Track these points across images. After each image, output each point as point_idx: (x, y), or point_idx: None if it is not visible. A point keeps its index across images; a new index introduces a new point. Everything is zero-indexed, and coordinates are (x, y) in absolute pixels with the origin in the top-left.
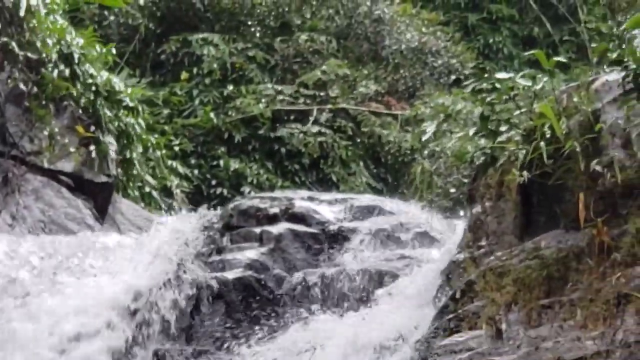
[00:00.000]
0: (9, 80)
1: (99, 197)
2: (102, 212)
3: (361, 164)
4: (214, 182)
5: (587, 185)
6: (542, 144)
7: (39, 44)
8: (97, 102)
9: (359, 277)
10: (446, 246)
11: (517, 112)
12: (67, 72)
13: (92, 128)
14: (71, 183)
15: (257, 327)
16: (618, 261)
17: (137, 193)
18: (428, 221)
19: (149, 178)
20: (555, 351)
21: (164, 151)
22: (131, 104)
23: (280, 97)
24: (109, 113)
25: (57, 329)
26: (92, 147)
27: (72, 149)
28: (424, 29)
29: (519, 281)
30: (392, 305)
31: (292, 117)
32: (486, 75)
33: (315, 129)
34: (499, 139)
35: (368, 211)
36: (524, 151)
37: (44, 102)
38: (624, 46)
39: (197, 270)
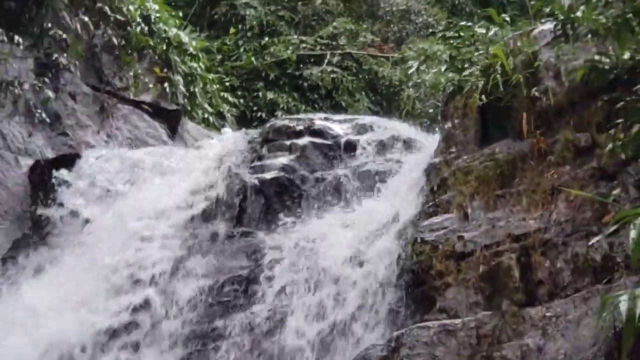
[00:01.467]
0: (104, 36)
1: (171, 120)
2: (173, 131)
3: (363, 93)
4: (255, 108)
5: (528, 106)
6: (496, 76)
7: (124, 9)
8: (169, 51)
9: (363, 176)
10: (426, 153)
11: (477, 53)
12: (146, 29)
13: (165, 70)
14: (150, 110)
15: (287, 214)
16: (552, 162)
17: (199, 117)
18: (412, 134)
19: (207, 106)
20: (507, 228)
21: (217, 86)
22: (193, 52)
23: (303, 45)
24: (177, 59)
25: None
26: (165, 84)
27: (151, 85)
28: None
29: (479, 178)
30: (388, 196)
31: (312, 60)
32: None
33: (329, 68)
34: (464, 73)
35: (369, 127)
36: (482, 82)
37: (129, 51)
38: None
39: (243, 173)
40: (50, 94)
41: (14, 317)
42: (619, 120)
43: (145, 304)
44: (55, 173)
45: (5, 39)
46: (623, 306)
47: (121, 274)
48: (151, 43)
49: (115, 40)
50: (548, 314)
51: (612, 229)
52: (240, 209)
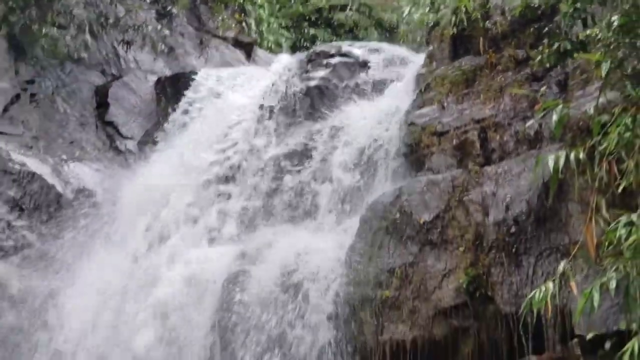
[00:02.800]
0: None
1: (247, 49)
2: (249, 56)
3: (373, 29)
4: (302, 40)
5: (484, 34)
6: (462, 14)
7: None
8: (244, 3)
9: (375, 82)
10: (416, 66)
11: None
12: None
13: (243, 15)
14: (233, 42)
15: (326, 108)
16: (500, 70)
17: (265, 46)
18: (407, 54)
19: (271, 38)
20: (470, 115)
21: (277, 26)
22: (260, 3)
23: None
24: (250, 8)
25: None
26: (243, 24)
27: (233, 26)
28: None
29: (452, 81)
30: (391, 95)
31: (339, 7)
32: None
33: (350, 13)
34: (440, 13)
35: (378, 50)
36: (453, 18)
37: (218, 3)
38: None
39: (296, 82)
40: (167, 33)
41: (149, 172)
42: (544, 41)
43: (235, 165)
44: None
45: None
46: (550, 162)
47: (219, 146)
48: None
49: None
50: (499, 170)
51: (541, 114)
52: (294, 105)
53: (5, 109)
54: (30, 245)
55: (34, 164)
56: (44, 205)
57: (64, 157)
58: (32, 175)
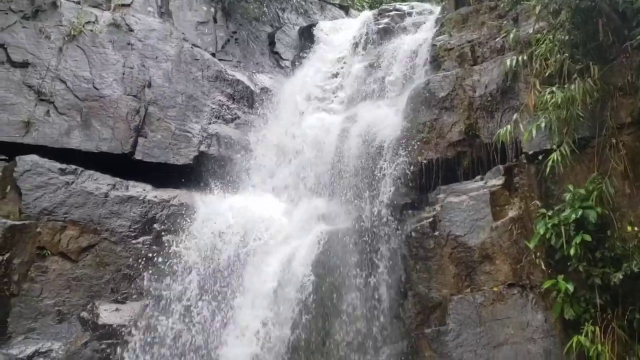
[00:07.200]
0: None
1: (346, 9)
2: (347, 13)
3: None
4: (374, 3)
5: None
6: None
7: None
8: None
9: (414, 24)
10: (436, 14)
11: None
12: None
13: None
14: (338, 6)
15: (388, 40)
16: (481, 13)
17: (355, 7)
18: (433, 8)
19: (357, 3)
20: (465, 37)
21: None
22: None
23: None
24: None
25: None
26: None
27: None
28: None
29: (455, 20)
30: (423, 31)
31: None
32: None
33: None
34: None
35: (415, 6)
36: None
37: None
38: None
39: (372, 25)
40: (303, 3)
41: (297, 77)
42: None
43: (341, 71)
44: (308, 30)
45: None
46: (508, 62)
47: (334, 59)
48: None
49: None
50: (482, 68)
51: (503, 35)
52: (371, 38)
53: (223, 47)
54: (239, 117)
55: (239, 75)
56: (244, 96)
57: (254, 71)
58: (238, 81)
